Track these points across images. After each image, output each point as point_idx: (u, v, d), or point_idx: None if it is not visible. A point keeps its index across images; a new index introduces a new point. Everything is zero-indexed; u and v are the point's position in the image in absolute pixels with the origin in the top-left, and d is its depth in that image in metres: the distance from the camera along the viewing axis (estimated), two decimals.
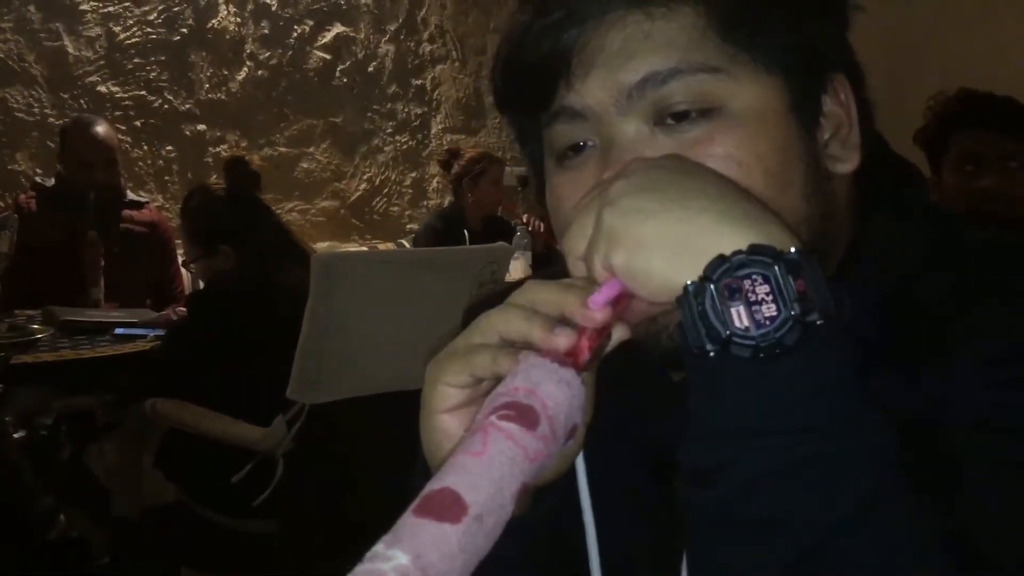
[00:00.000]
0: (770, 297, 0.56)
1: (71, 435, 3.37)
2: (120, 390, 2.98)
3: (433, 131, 6.10)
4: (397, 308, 2.49)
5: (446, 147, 5.46)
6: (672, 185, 0.62)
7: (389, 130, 5.93)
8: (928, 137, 2.53)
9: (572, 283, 0.64)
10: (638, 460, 0.79)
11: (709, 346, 0.57)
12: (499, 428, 0.54)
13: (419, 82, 6.05)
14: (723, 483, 0.57)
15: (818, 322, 0.56)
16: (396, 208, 5.98)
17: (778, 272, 0.56)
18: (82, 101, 4.84)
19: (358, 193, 5.82)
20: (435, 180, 6.10)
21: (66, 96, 4.80)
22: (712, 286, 0.57)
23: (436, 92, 6.12)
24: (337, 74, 5.70)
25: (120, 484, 3.12)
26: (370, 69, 5.83)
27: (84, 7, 4.83)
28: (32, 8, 4.68)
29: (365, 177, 5.85)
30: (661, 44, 0.70)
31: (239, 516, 2.61)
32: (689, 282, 0.58)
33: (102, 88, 4.90)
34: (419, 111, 6.05)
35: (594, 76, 0.72)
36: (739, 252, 0.57)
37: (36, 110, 4.72)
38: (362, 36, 5.79)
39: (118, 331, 3.10)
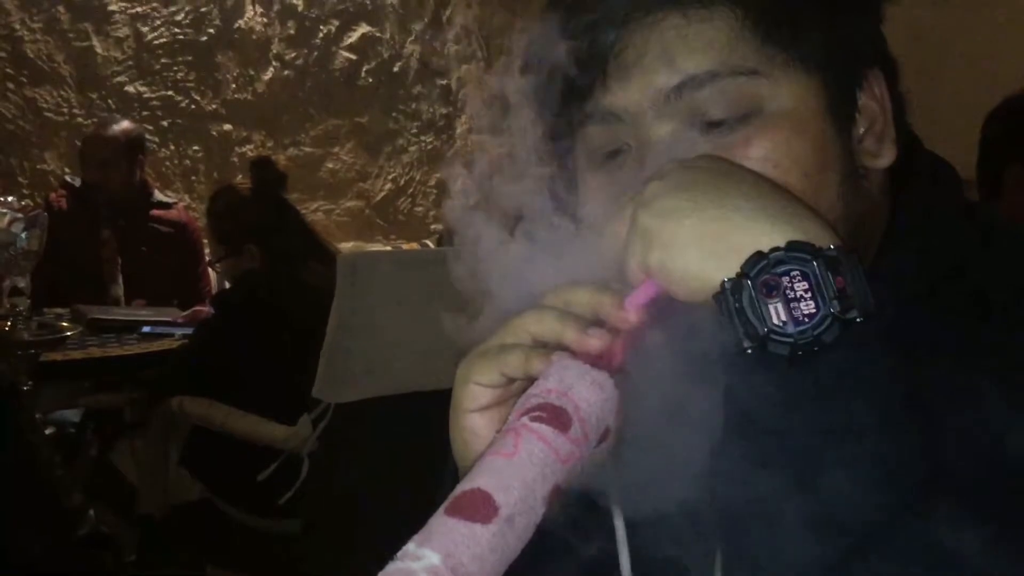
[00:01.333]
0: (808, 294, 0.55)
1: (98, 432, 3.39)
2: (147, 388, 2.99)
3: (458, 131, 6.10)
4: (423, 307, 2.48)
5: (471, 148, 5.45)
6: (707, 184, 0.61)
7: (414, 130, 5.93)
8: (985, 170, 2.44)
9: (607, 285, 0.63)
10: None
11: (746, 343, 0.56)
12: (531, 430, 0.54)
13: (444, 82, 6.05)
14: (759, 479, 0.56)
15: (858, 319, 0.55)
16: (421, 208, 5.98)
17: (817, 268, 0.55)
18: (110, 101, 4.87)
19: (383, 193, 5.83)
20: (460, 180, 6.08)
21: (94, 96, 4.83)
22: (749, 283, 0.56)
23: (461, 92, 6.12)
24: (362, 74, 5.71)
25: (146, 482, 3.13)
26: (395, 69, 5.83)
27: (112, 7, 4.86)
28: (61, 8, 4.72)
29: (390, 177, 5.85)
30: (698, 46, 0.69)
31: (264, 515, 2.62)
32: (726, 279, 0.57)
33: (130, 88, 4.93)
34: (444, 111, 6.05)
35: (630, 78, 0.71)
36: (777, 248, 0.56)
37: (65, 110, 4.76)
38: (387, 36, 5.80)
39: (145, 329, 3.12)
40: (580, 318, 0.61)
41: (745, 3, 0.69)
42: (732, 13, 0.69)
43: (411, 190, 5.95)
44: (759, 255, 0.56)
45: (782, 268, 0.56)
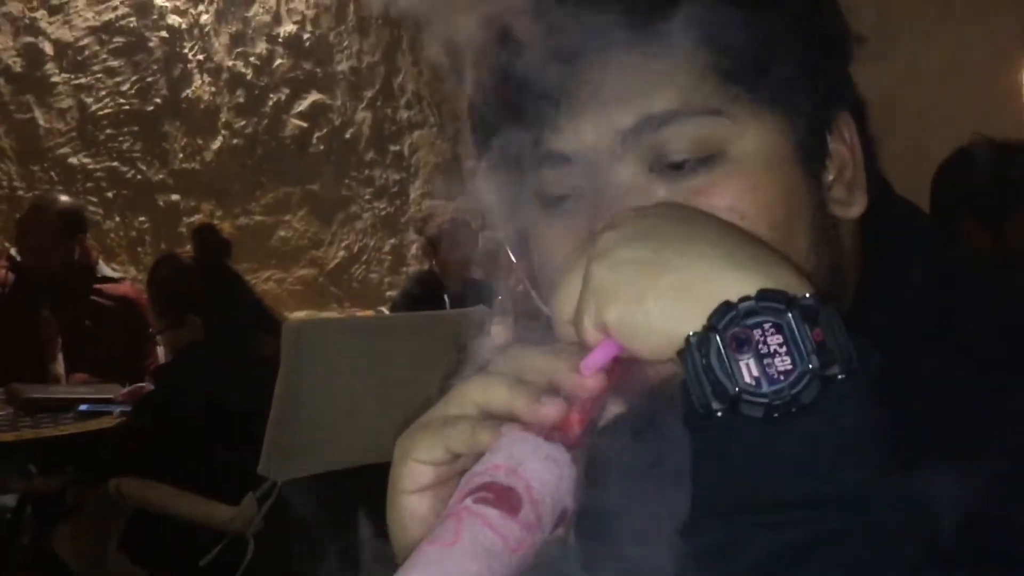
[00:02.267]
0: (783, 349, 0.49)
1: (37, 517, 3.26)
2: (84, 469, 2.87)
3: (412, 197, 6.07)
4: (372, 376, 2.40)
5: (424, 213, 5.43)
6: (667, 232, 0.56)
7: (367, 197, 5.89)
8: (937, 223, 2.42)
9: (561, 348, 0.57)
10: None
11: (715, 404, 0.50)
12: (475, 513, 0.48)
13: (396, 148, 6.03)
14: (733, 564, 0.49)
15: (839, 376, 0.49)
16: (375, 275, 5.92)
17: (792, 320, 0.50)
18: (52, 173, 4.78)
19: (336, 261, 5.76)
20: (414, 246, 6.05)
21: (36, 168, 4.74)
22: (718, 336, 0.50)
23: (414, 157, 6.10)
24: (314, 141, 5.68)
25: (86, 568, 2.99)
26: (347, 136, 5.81)
27: (56, 79, 4.80)
28: (2, 80, 4.64)
29: (343, 245, 5.79)
30: (657, 84, 0.64)
31: None
32: (692, 333, 0.51)
33: (73, 160, 4.85)
34: (397, 177, 6.02)
35: (585, 118, 0.65)
36: (747, 298, 0.51)
37: (5, 183, 4.65)
38: (339, 103, 5.78)
39: (82, 408, 3.01)
40: (532, 385, 0.55)
41: (707, 40, 0.64)
42: (693, 49, 0.64)
43: (365, 257, 5.88)
44: (727, 305, 0.51)
45: (753, 320, 0.50)
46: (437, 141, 6.20)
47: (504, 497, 0.48)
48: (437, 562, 0.45)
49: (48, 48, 4.79)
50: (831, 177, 0.69)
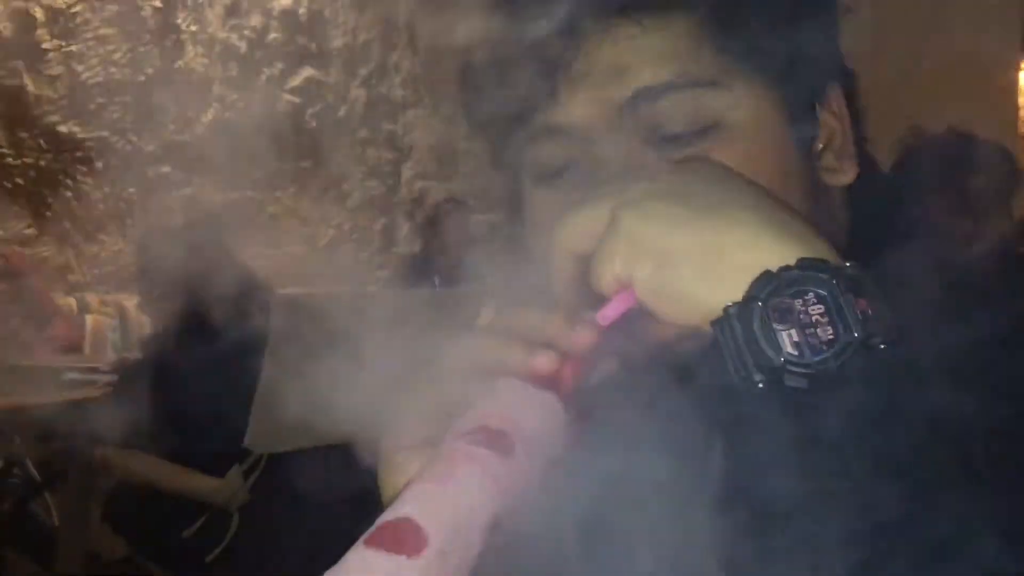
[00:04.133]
0: (825, 319, 0.48)
1: (18, 484, 3.26)
2: (68, 439, 2.86)
3: (404, 177, 6.05)
4: (362, 352, 2.39)
5: (416, 193, 5.42)
6: (704, 192, 0.55)
7: (359, 175, 5.86)
8: None
9: (555, 308, 0.57)
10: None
11: (758, 376, 0.49)
12: (467, 454, 0.47)
13: (390, 127, 6.00)
14: (781, 536, 0.49)
15: (881, 346, 0.48)
16: (365, 254, 5.90)
17: (836, 290, 0.49)
18: (41, 141, 4.73)
19: (326, 239, 5.74)
20: (405, 227, 6.02)
21: (25, 136, 4.69)
22: (760, 306, 0.49)
23: (407, 137, 6.07)
24: (307, 117, 5.64)
25: (66, 539, 2.99)
26: (340, 113, 5.77)
27: (46, 45, 4.74)
28: None
29: (333, 223, 5.77)
30: (653, 56, 0.64)
31: (190, 574, 2.49)
32: (730, 303, 0.50)
33: (63, 128, 4.80)
34: (390, 156, 5.99)
35: (581, 92, 0.65)
36: (789, 268, 0.50)
37: None
38: (333, 80, 5.74)
39: (68, 376, 2.99)
40: (525, 340, 0.54)
41: (703, 12, 0.64)
42: (688, 21, 0.64)
43: (355, 236, 5.86)
44: (768, 275, 0.50)
45: (794, 289, 0.49)
46: (431, 121, 6.17)
47: (496, 440, 0.48)
48: (429, 499, 0.45)
49: (39, 14, 4.74)
50: (820, 146, 0.69)
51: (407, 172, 6.07)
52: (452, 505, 0.45)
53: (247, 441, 2.32)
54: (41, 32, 4.75)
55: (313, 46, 5.65)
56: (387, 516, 0.44)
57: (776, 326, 0.49)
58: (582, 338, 0.54)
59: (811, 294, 0.49)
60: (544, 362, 0.52)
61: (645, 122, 0.64)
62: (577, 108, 0.65)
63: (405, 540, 0.42)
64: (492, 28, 0.67)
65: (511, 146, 0.71)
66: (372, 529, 0.43)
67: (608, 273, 0.54)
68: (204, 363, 2.61)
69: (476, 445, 0.47)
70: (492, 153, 0.76)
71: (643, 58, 0.64)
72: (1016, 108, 5.39)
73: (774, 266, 0.50)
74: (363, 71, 5.88)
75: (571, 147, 0.67)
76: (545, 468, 0.51)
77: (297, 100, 5.60)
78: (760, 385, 0.49)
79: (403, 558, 0.41)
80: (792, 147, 0.67)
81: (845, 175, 0.70)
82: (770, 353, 0.49)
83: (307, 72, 5.64)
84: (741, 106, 0.64)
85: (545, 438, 0.50)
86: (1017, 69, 5.47)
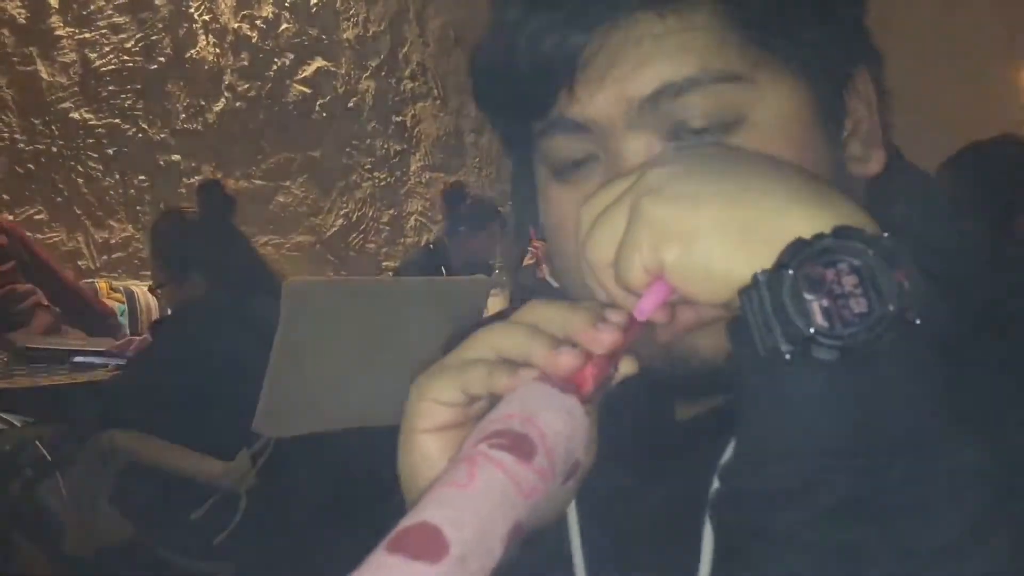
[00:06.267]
0: (859, 290, 0.46)
1: (26, 466, 3.24)
2: (76, 421, 2.86)
3: (412, 168, 6.05)
4: (371, 340, 2.40)
5: (425, 183, 5.42)
6: (723, 168, 0.53)
7: (367, 166, 5.87)
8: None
9: (580, 304, 0.55)
10: (633, 476, 0.70)
11: (785, 347, 0.47)
12: (489, 457, 0.46)
13: (399, 119, 6.00)
14: (804, 505, 0.48)
15: (916, 321, 0.46)
16: (372, 245, 5.90)
17: (872, 260, 0.47)
18: (53, 127, 4.74)
19: (334, 229, 5.74)
20: (413, 217, 6.03)
21: (37, 122, 4.70)
22: (791, 274, 0.47)
23: (416, 129, 6.08)
24: (317, 108, 5.64)
25: (74, 521, 2.98)
26: (350, 104, 5.78)
27: (59, 32, 4.76)
28: (6, 31, 4.60)
29: (342, 213, 5.77)
30: (675, 50, 0.61)
31: (198, 556, 2.49)
32: (760, 271, 0.48)
33: (75, 115, 4.81)
34: (398, 148, 6.00)
35: (601, 86, 0.62)
36: (822, 236, 0.47)
37: (6, 135, 4.62)
38: (343, 71, 5.75)
39: (76, 359, 2.99)
40: (550, 336, 0.53)
41: (726, 3, 0.61)
42: (712, 12, 0.61)
43: (363, 226, 5.87)
44: (801, 243, 0.48)
45: (827, 258, 0.47)
46: (440, 114, 6.17)
47: (518, 443, 0.47)
48: (451, 503, 0.44)
49: (53, 1, 4.75)
50: (846, 134, 0.67)
51: (415, 163, 6.08)
52: (474, 510, 0.44)
53: (255, 425, 2.32)
54: (55, 19, 4.76)
55: (324, 37, 5.66)
56: (408, 521, 0.43)
57: (807, 295, 0.47)
58: (606, 337, 0.52)
59: (845, 264, 0.47)
60: (567, 360, 0.51)
61: (666, 117, 0.62)
62: (596, 104, 0.63)
63: (426, 545, 0.42)
64: (509, 21, 0.65)
65: (524, 137, 0.69)
66: (392, 534, 0.42)
67: (636, 265, 0.52)
68: (213, 348, 2.61)
69: (498, 449, 0.47)
70: (503, 142, 0.75)
71: (665, 52, 0.61)
72: (1018, 108, 5.36)
73: (807, 234, 0.48)
74: (373, 63, 5.88)
75: (588, 141, 0.65)
76: (566, 473, 0.50)
77: (307, 90, 5.60)
78: (788, 356, 0.47)
79: (423, 564, 0.41)
80: (819, 139, 0.64)
81: (874, 163, 0.67)
82: (799, 323, 0.47)
83: (317, 63, 5.65)
84: (766, 100, 0.62)
85: (567, 442, 0.49)
86: (1018, 69, 5.45)
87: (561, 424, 0.49)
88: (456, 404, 0.54)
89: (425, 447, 0.55)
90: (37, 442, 3.17)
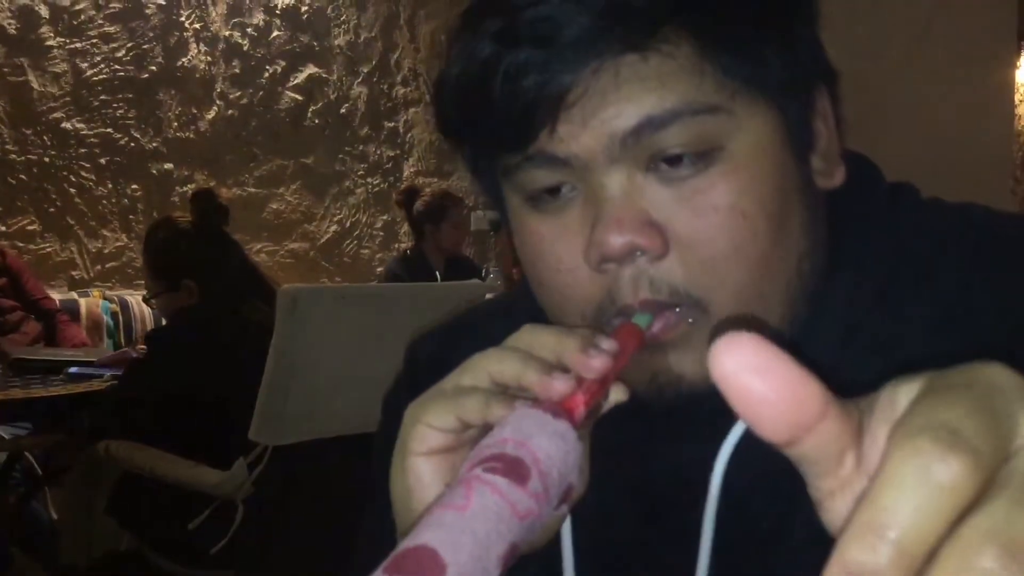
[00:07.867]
0: None
1: (21, 477, 3.24)
2: (72, 431, 2.85)
3: (405, 174, 6.05)
4: (367, 346, 2.39)
5: (406, 185, 5.41)
6: None
7: (360, 172, 5.86)
8: None
9: (573, 330, 0.57)
10: (627, 503, 0.70)
11: None
12: (484, 481, 0.47)
13: (392, 124, 6.01)
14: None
15: None
16: (367, 251, 5.90)
17: None
18: (45, 138, 4.74)
19: (328, 235, 5.74)
20: (406, 223, 6.03)
21: (29, 132, 4.70)
22: None
23: (409, 135, 6.08)
24: (309, 115, 5.64)
25: (70, 531, 2.98)
26: (342, 111, 5.77)
27: (50, 43, 4.75)
28: None
29: (335, 219, 5.77)
30: (656, 84, 0.61)
31: (195, 566, 2.48)
32: None
33: (67, 125, 4.80)
34: (391, 153, 6.00)
35: (581, 122, 0.62)
36: None
37: None
38: (335, 78, 5.75)
39: (72, 370, 2.98)
40: (543, 361, 0.54)
41: (704, 35, 0.61)
42: (691, 46, 0.61)
43: (357, 232, 5.86)
44: None
45: None
46: (432, 119, 6.17)
47: (513, 467, 0.48)
48: (448, 525, 0.44)
49: (44, 11, 4.75)
50: (811, 151, 0.67)
51: (408, 169, 6.08)
52: (471, 532, 0.44)
53: (252, 433, 2.31)
54: (45, 29, 4.76)
55: (315, 44, 5.66)
56: (406, 544, 0.43)
57: None
58: (596, 363, 0.53)
59: None
60: (560, 385, 0.52)
61: (645, 149, 0.62)
62: (576, 139, 0.63)
63: (423, 568, 0.42)
64: (479, 56, 0.64)
65: (493, 166, 0.69)
66: (391, 557, 0.42)
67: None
68: (208, 357, 2.61)
69: (494, 473, 0.47)
70: (468, 167, 0.74)
71: (646, 86, 0.61)
72: (1012, 105, 5.38)
73: None
74: (364, 69, 5.88)
75: (566, 174, 0.64)
76: (560, 497, 0.51)
77: (299, 97, 5.60)
78: None
79: None
80: (790, 160, 0.65)
81: (837, 177, 0.69)
82: None
83: (309, 70, 5.65)
84: (743, 129, 0.62)
85: (560, 467, 0.50)
86: (1013, 66, 5.47)
87: (554, 448, 0.50)
88: (450, 430, 0.55)
89: (418, 469, 0.56)
90: (27, 454, 3.16)
